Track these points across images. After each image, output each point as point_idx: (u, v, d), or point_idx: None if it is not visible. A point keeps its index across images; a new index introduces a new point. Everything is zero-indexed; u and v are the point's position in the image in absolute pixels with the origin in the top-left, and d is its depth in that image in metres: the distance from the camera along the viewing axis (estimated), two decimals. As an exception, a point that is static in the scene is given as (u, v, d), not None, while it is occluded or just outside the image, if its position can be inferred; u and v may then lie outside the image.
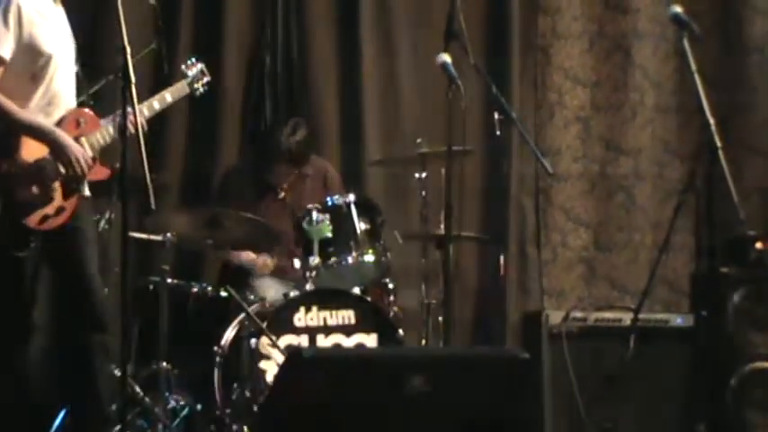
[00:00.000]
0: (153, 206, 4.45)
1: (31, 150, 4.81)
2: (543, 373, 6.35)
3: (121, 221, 4.52)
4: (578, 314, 6.49)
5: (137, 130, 4.48)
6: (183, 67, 5.60)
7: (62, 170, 4.82)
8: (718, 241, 5.66)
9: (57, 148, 4.81)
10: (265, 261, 6.24)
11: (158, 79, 6.33)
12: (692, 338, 6.27)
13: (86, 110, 5.02)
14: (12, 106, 4.77)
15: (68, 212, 4.86)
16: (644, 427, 6.42)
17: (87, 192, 4.97)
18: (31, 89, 4.85)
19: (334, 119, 6.99)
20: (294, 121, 6.47)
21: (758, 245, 6.51)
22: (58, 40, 4.91)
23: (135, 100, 4.45)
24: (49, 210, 4.81)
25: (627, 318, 6.43)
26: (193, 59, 5.64)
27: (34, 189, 4.78)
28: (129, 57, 4.44)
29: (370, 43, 7.05)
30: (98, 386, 4.90)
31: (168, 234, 5.71)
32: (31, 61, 4.83)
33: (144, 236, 5.83)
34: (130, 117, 4.91)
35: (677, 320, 6.57)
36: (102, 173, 5.00)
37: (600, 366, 6.34)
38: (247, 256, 6.26)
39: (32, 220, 4.79)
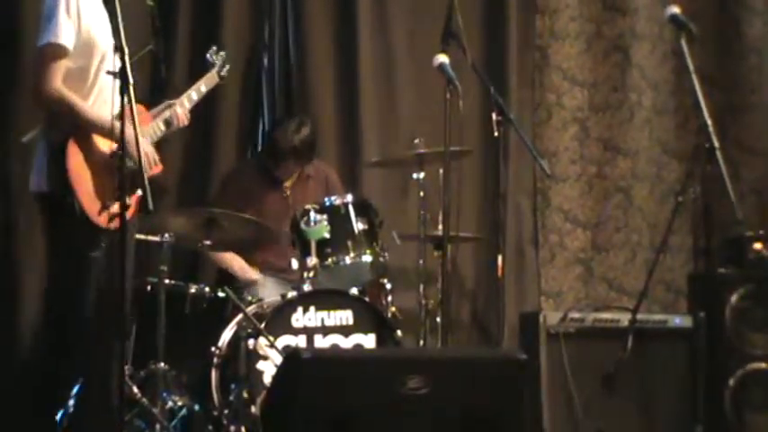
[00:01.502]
0: (151, 207, 4.44)
1: (103, 147, 4.80)
2: (541, 374, 6.34)
3: (120, 222, 4.51)
4: (576, 315, 6.49)
5: (136, 131, 4.47)
6: (208, 56, 5.68)
7: (130, 164, 4.80)
8: (715, 242, 5.67)
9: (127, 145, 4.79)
10: (252, 276, 6.20)
11: (156, 80, 6.35)
12: (690, 339, 6.26)
13: (140, 106, 4.98)
14: (82, 104, 4.76)
15: (133, 209, 4.82)
16: (641, 427, 6.42)
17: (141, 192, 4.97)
18: (89, 84, 4.84)
19: (331, 119, 6.99)
20: (299, 118, 6.48)
21: (756, 245, 6.52)
22: (107, 37, 4.89)
23: (133, 101, 4.43)
24: (117, 208, 4.78)
25: (625, 318, 6.43)
26: (215, 48, 5.74)
27: (108, 181, 4.74)
28: (126, 57, 4.44)
29: (368, 44, 7.05)
30: (110, 388, 4.87)
31: (166, 235, 5.71)
32: (89, 57, 4.81)
33: (142, 236, 5.82)
34: (175, 111, 5.11)
35: (675, 321, 6.56)
36: (157, 168, 5.00)
37: (597, 367, 6.34)
38: (240, 265, 6.26)
39: (103, 218, 4.76)
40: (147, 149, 4.85)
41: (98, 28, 4.83)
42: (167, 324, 5.60)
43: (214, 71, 5.62)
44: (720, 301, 6.32)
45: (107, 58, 4.84)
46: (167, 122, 5.16)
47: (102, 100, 4.86)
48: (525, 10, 7.43)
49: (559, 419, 6.36)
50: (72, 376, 5.34)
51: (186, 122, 5.27)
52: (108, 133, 4.75)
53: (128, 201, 4.82)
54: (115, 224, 4.76)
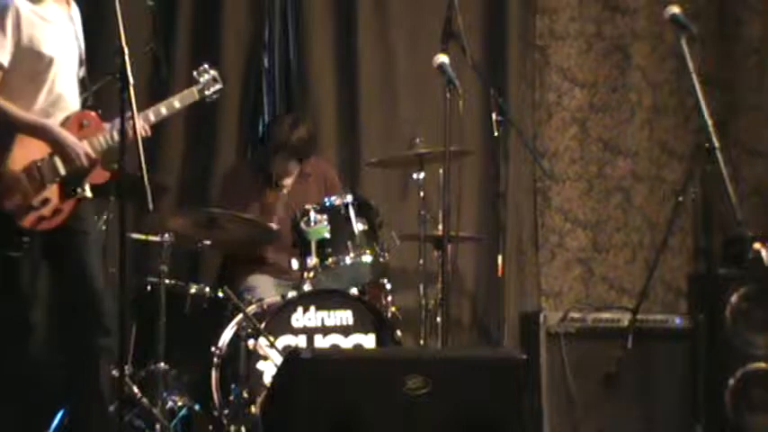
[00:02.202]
0: (151, 206, 4.45)
1: (27, 153, 4.81)
2: (541, 374, 6.35)
3: (119, 222, 4.52)
4: (576, 315, 6.49)
5: (135, 132, 4.49)
6: (195, 73, 5.46)
7: (62, 171, 4.83)
8: (715, 242, 5.67)
9: (58, 146, 4.82)
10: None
11: (156, 80, 6.36)
12: (690, 339, 6.28)
13: (91, 112, 5.02)
14: (11, 107, 4.78)
15: (66, 214, 4.86)
16: (641, 427, 6.42)
17: (89, 193, 4.97)
18: (34, 91, 4.86)
19: (331, 119, 6.99)
20: (295, 114, 6.49)
21: (756, 245, 6.51)
22: (59, 42, 4.91)
23: (133, 102, 4.45)
24: (45, 212, 4.82)
25: (625, 318, 6.43)
26: (206, 66, 5.49)
27: (17, 199, 4.78)
28: (127, 58, 4.45)
29: (368, 43, 7.05)
30: (101, 388, 4.91)
31: (166, 235, 5.72)
32: (32, 64, 4.84)
33: (142, 236, 5.84)
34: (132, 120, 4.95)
35: (675, 321, 6.57)
36: (101, 176, 4.99)
37: (598, 367, 6.35)
38: None
39: (28, 220, 4.80)
40: (79, 148, 4.85)
41: (45, 35, 4.85)
42: (167, 324, 5.60)
43: (194, 88, 5.38)
44: (720, 302, 6.32)
45: (58, 65, 4.87)
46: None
47: (56, 105, 4.89)
48: (525, 10, 7.42)
49: (559, 419, 6.37)
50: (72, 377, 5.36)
51: (143, 135, 5.00)
52: (42, 136, 4.80)
53: (62, 206, 4.86)
54: (45, 226, 4.81)
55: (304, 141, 6.32)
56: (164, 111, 5.22)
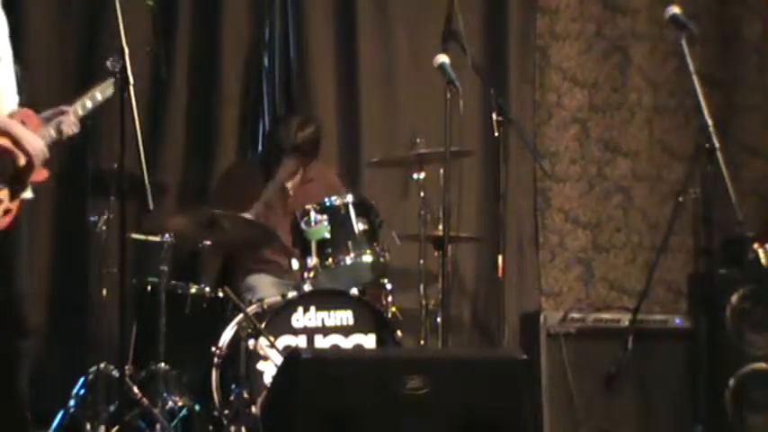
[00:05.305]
0: (151, 206, 4.43)
1: None
2: (541, 374, 6.35)
3: (119, 222, 4.51)
4: (576, 315, 6.50)
5: (137, 133, 4.45)
6: (108, 64, 5.05)
7: (10, 168, 4.74)
8: (715, 242, 5.67)
9: (16, 139, 4.71)
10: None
11: (157, 80, 6.36)
12: (691, 339, 6.28)
13: (29, 110, 4.88)
14: None
15: (14, 213, 4.75)
16: (641, 427, 6.42)
17: (30, 193, 4.89)
18: None
19: (332, 119, 6.99)
20: (302, 116, 6.49)
21: (756, 246, 6.52)
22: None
23: (133, 102, 4.43)
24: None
25: (625, 319, 6.43)
26: (116, 56, 5.19)
27: None
28: (127, 58, 4.44)
29: (369, 43, 7.05)
30: (17, 388, 4.84)
31: (166, 235, 5.72)
32: None
33: (142, 237, 5.83)
34: (67, 118, 4.87)
35: (675, 321, 6.57)
36: (41, 174, 4.86)
37: (598, 367, 6.35)
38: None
39: None
40: (38, 145, 4.78)
41: None
42: (167, 324, 5.60)
43: (111, 80, 5.09)
44: (720, 302, 6.32)
45: None
46: (59, 130, 4.93)
47: None
48: (525, 10, 7.42)
49: (559, 419, 6.37)
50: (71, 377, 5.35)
51: (76, 130, 5.00)
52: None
53: (11, 206, 4.76)
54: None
55: (310, 142, 6.32)
56: (89, 104, 5.09)
